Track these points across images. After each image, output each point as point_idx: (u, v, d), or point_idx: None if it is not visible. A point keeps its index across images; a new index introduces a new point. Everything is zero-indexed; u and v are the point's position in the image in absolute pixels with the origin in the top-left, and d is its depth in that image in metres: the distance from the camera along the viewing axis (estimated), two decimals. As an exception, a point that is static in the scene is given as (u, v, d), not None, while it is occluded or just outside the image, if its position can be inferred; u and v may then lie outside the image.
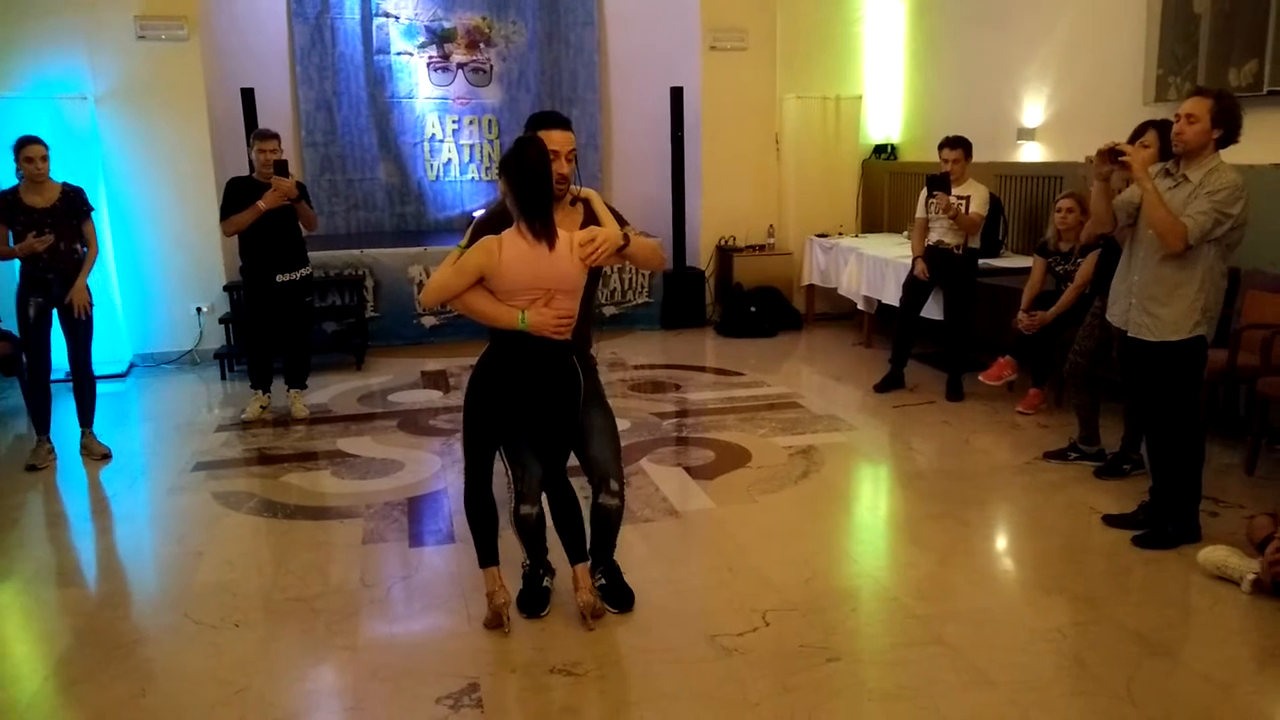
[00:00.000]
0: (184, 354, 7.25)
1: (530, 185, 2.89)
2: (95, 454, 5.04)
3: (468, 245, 2.98)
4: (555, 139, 3.03)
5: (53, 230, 4.75)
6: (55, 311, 4.91)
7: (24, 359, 5.14)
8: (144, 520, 4.39)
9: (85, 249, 4.93)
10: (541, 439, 3.12)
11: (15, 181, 4.79)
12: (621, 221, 3.16)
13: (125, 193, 6.97)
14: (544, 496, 3.22)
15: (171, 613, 3.39)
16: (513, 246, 2.91)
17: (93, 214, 5.01)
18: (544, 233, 2.90)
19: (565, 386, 3.05)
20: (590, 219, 3.13)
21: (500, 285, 2.92)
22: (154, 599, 3.57)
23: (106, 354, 6.93)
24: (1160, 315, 3.57)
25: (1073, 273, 5.06)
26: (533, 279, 2.91)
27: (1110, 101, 5.85)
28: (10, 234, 4.74)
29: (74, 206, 4.88)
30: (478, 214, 3.22)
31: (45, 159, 4.75)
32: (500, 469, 3.20)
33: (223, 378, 6.83)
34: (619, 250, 3.04)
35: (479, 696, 2.81)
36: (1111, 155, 3.50)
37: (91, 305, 4.98)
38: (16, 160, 4.72)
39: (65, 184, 4.90)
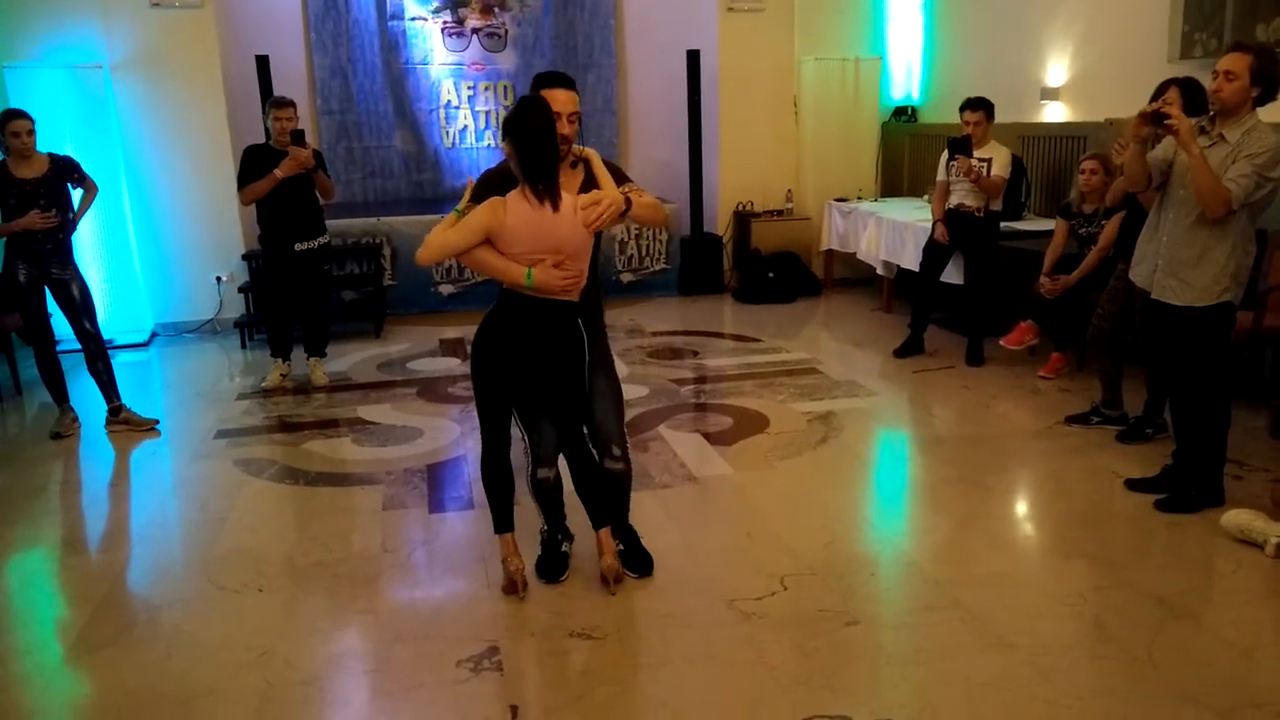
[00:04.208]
0: (204, 323, 7.29)
1: (535, 148, 2.85)
2: (141, 425, 5.04)
3: (470, 202, 2.95)
4: (558, 99, 2.97)
5: (46, 202, 4.72)
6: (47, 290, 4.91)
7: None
8: (168, 487, 4.44)
9: (75, 218, 4.92)
10: (550, 402, 3.11)
11: (2, 156, 4.75)
12: (622, 180, 3.10)
13: (142, 162, 6.99)
14: (562, 462, 3.22)
15: (196, 578, 3.43)
16: (517, 209, 2.88)
17: (85, 176, 4.98)
18: (547, 195, 2.87)
19: (569, 347, 3.02)
20: (590, 181, 3.07)
21: (506, 247, 2.91)
22: (178, 565, 3.61)
23: (128, 323, 7.01)
24: (1189, 279, 3.51)
25: (1096, 235, 5.00)
26: (537, 241, 2.88)
27: (1135, 59, 5.74)
28: (1, 210, 4.72)
29: (64, 175, 4.86)
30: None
31: (31, 133, 4.70)
32: (518, 435, 3.21)
33: (243, 346, 6.86)
34: (621, 215, 2.99)
35: (499, 659, 2.84)
36: (1155, 118, 3.39)
37: (84, 280, 4.98)
38: (2, 135, 4.68)
39: (53, 154, 4.88)
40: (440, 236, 2.92)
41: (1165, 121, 3.36)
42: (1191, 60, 5.24)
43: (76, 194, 4.99)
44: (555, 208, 2.88)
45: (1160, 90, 3.93)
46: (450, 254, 2.96)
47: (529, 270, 2.88)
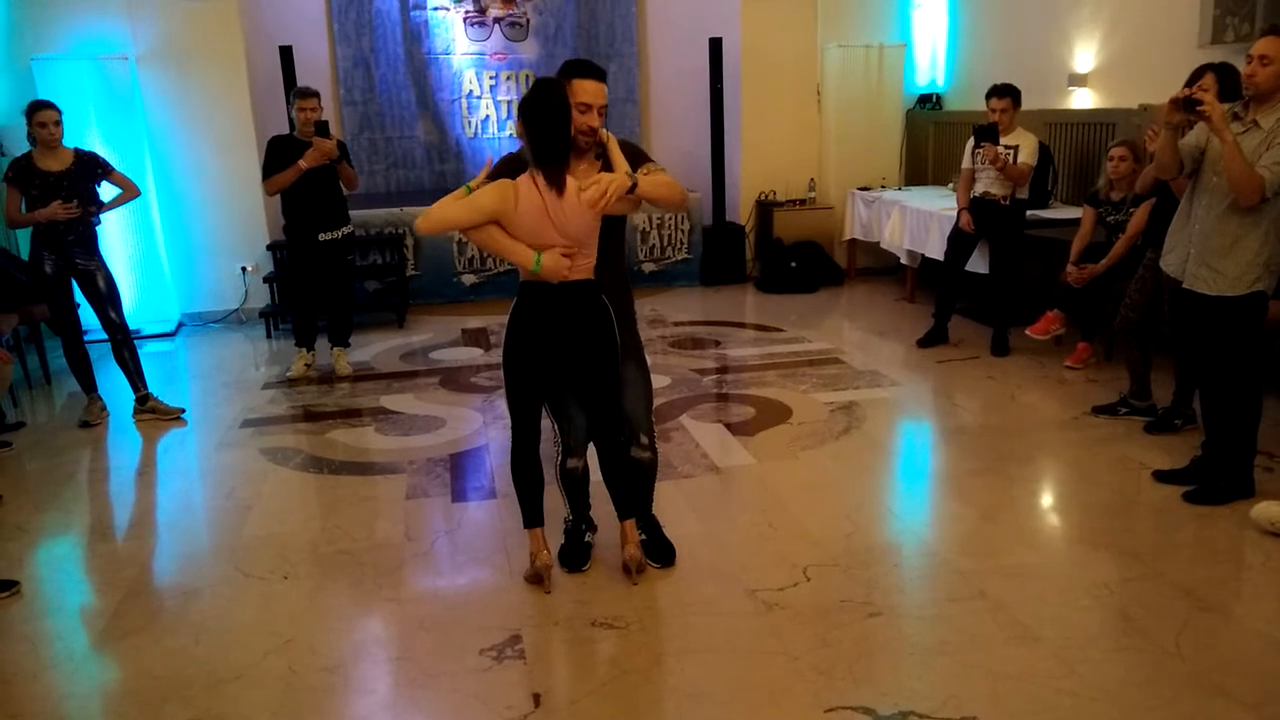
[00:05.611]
0: (230, 313, 7.35)
1: (547, 131, 2.81)
2: (168, 414, 5.08)
3: (484, 181, 2.93)
4: (589, 90, 2.90)
5: (68, 195, 4.75)
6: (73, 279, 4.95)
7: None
8: (194, 475, 4.49)
9: (100, 210, 4.95)
10: (583, 386, 3.09)
11: (29, 148, 4.79)
12: (643, 160, 3.04)
13: (168, 153, 7.04)
14: (591, 452, 3.22)
15: (223, 565, 3.46)
16: (527, 193, 2.86)
17: (112, 171, 5.01)
18: (555, 181, 2.84)
19: (598, 325, 2.99)
20: (608, 167, 2.99)
21: (516, 234, 2.89)
22: (205, 552, 3.64)
23: (155, 313, 7.08)
24: (1220, 268, 3.45)
25: (1124, 223, 4.93)
26: (543, 228, 2.85)
27: (1165, 44, 5.65)
28: (24, 200, 4.76)
29: (88, 170, 4.89)
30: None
31: (58, 124, 4.74)
32: (547, 426, 3.21)
33: (268, 336, 6.92)
34: (629, 193, 2.89)
35: (522, 648, 2.85)
36: (1187, 104, 3.33)
37: (109, 270, 5.04)
38: (29, 125, 4.72)
39: (78, 149, 4.92)
40: (443, 209, 2.89)
41: (1197, 108, 3.30)
42: (1222, 45, 5.16)
43: (104, 190, 5.01)
44: (560, 194, 2.85)
45: (1196, 75, 3.87)
46: (450, 228, 2.93)
47: (537, 255, 2.85)
